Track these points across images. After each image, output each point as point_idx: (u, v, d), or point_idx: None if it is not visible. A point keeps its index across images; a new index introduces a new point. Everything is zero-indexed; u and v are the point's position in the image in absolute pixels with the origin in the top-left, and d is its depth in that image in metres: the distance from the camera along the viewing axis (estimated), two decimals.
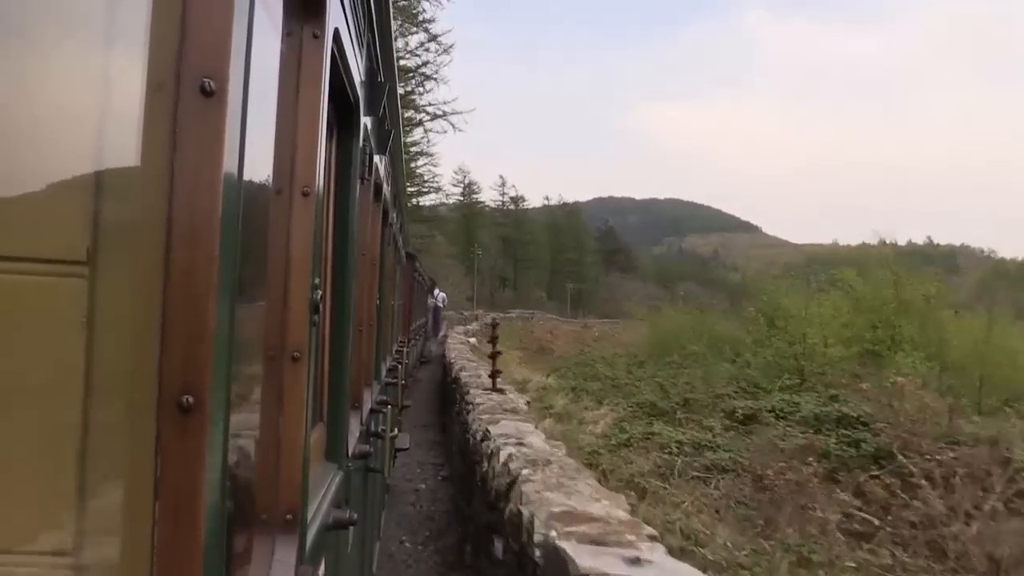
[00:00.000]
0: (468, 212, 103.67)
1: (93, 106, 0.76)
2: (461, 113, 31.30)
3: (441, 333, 22.92)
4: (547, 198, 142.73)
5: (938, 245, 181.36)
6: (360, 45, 2.26)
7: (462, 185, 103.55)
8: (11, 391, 0.73)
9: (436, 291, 25.26)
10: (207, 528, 0.76)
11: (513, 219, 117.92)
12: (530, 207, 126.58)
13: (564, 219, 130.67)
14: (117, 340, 0.75)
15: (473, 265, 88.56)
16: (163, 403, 0.73)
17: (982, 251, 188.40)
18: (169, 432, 0.73)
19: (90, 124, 0.76)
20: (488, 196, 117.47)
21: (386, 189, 4.46)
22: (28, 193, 0.74)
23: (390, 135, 3.67)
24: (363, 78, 2.36)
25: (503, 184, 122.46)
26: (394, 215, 6.17)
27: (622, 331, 58.72)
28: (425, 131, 31.91)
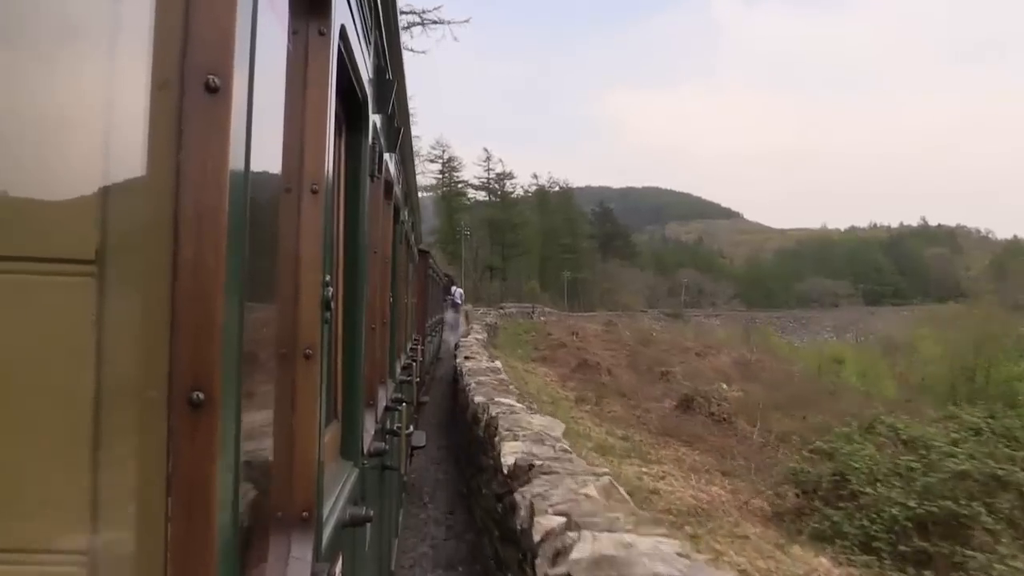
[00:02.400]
0: (449, 192, 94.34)
1: (98, 105, 0.76)
2: (449, 23, 18.10)
3: (461, 330, 22.92)
4: (535, 176, 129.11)
5: (939, 226, 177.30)
6: (368, 42, 2.26)
7: (440, 161, 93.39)
8: (22, 390, 0.73)
9: (453, 288, 25.32)
10: (220, 524, 0.77)
11: (500, 199, 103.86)
12: (518, 183, 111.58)
13: (556, 199, 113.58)
14: (127, 338, 0.75)
15: (459, 251, 78.65)
16: (174, 400, 0.73)
17: (979, 231, 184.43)
18: (180, 429, 0.73)
19: (96, 123, 0.76)
20: (471, 173, 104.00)
21: (397, 187, 4.46)
22: (36, 193, 0.74)
23: (400, 132, 3.67)
24: (371, 75, 2.36)
25: (488, 159, 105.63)
26: (406, 213, 6.18)
27: (689, 336, 47.17)
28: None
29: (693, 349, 38.11)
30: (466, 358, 11.55)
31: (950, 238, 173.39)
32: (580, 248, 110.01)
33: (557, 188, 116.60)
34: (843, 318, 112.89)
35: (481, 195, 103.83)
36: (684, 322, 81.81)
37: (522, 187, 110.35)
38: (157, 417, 0.73)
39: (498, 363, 11.30)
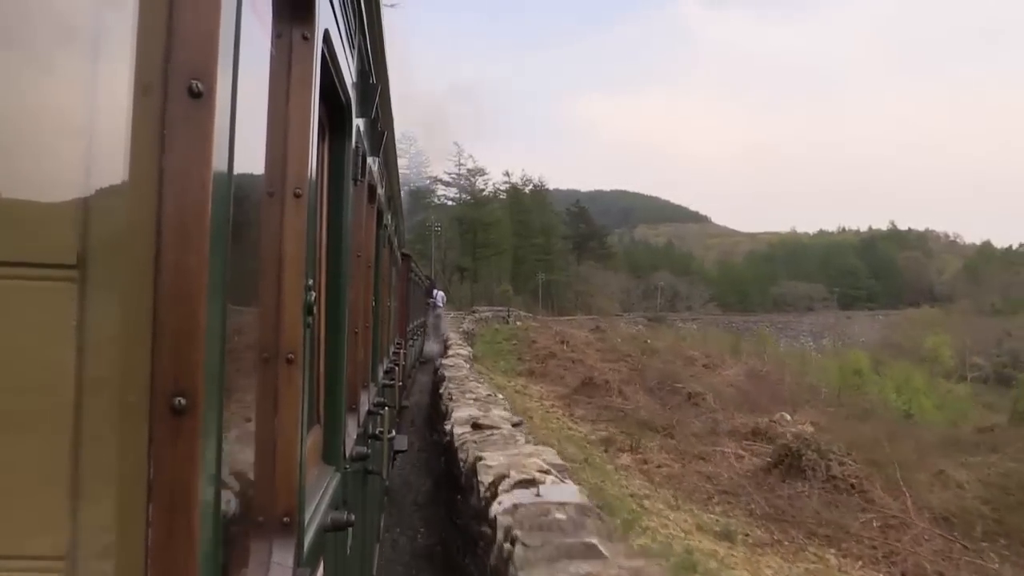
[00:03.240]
0: (417, 189, 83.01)
1: (81, 109, 0.76)
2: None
3: (442, 335, 22.89)
4: (507, 173, 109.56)
5: (910, 230, 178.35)
6: (351, 47, 2.26)
7: (407, 156, 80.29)
8: (3, 395, 0.73)
9: (435, 292, 25.28)
10: (202, 530, 0.76)
11: (472, 196, 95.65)
12: (490, 180, 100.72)
13: (530, 198, 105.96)
14: (108, 343, 0.75)
15: (428, 250, 71.45)
16: (155, 405, 0.73)
17: (947, 235, 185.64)
18: (162, 434, 0.73)
19: (78, 127, 0.76)
20: (440, 168, 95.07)
21: (380, 191, 4.46)
22: (18, 198, 0.74)
23: (383, 136, 3.66)
24: (355, 80, 2.36)
25: (459, 153, 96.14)
26: (389, 216, 6.17)
27: (687, 344, 42.18)
28: None
29: (697, 360, 33.59)
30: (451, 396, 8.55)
31: (921, 241, 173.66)
32: (554, 249, 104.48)
33: (531, 186, 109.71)
34: (819, 322, 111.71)
35: (451, 192, 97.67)
36: (667, 327, 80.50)
37: (494, 184, 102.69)
38: (138, 423, 0.73)
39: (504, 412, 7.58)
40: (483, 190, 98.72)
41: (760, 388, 27.74)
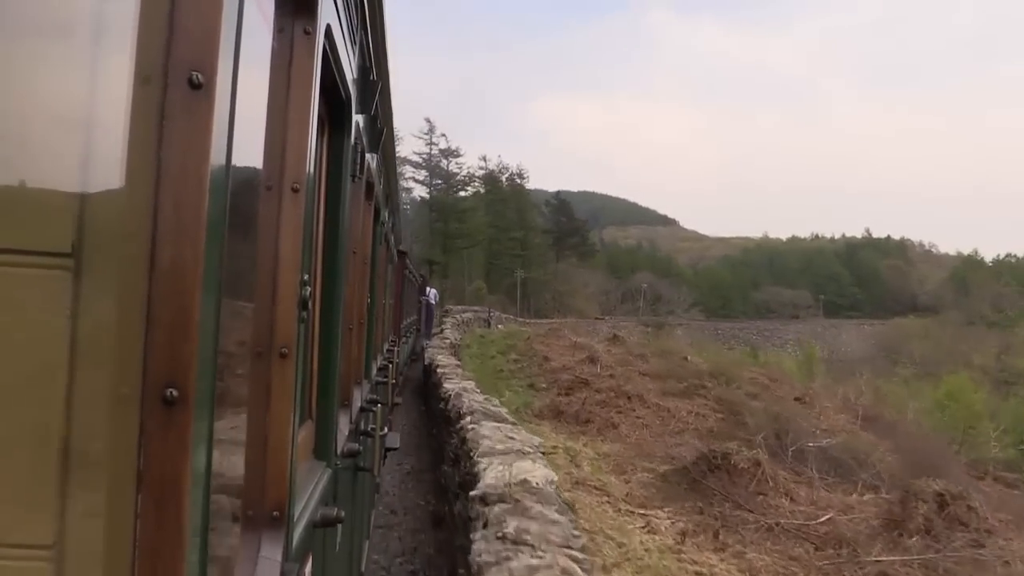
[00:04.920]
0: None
1: (80, 99, 0.76)
2: None
3: (434, 331, 22.90)
4: (484, 159, 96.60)
5: (888, 237, 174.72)
6: (353, 42, 2.26)
7: None
8: None
9: (428, 289, 25.26)
10: (191, 522, 0.76)
11: (444, 181, 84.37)
12: (464, 163, 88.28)
13: (507, 189, 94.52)
14: (101, 333, 0.75)
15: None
16: (147, 396, 0.73)
17: (922, 244, 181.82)
18: (152, 425, 0.73)
19: (76, 117, 0.76)
20: (410, 147, 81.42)
21: (378, 187, 4.45)
22: (14, 185, 0.74)
23: (382, 133, 3.66)
24: (355, 75, 2.36)
25: (430, 131, 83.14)
26: (386, 213, 6.17)
27: (731, 359, 30.74)
28: None
29: (772, 387, 22.02)
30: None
31: (900, 249, 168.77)
32: (532, 244, 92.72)
33: (508, 174, 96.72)
34: (804, 331, 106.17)
35: (421, 175, 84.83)
36: (667, 334, 74.21)
37: (468, 169, 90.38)
38: (129, 413, 0.73)
39: None
40: (456, 174, 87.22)
41: (904, 442, 16.65)
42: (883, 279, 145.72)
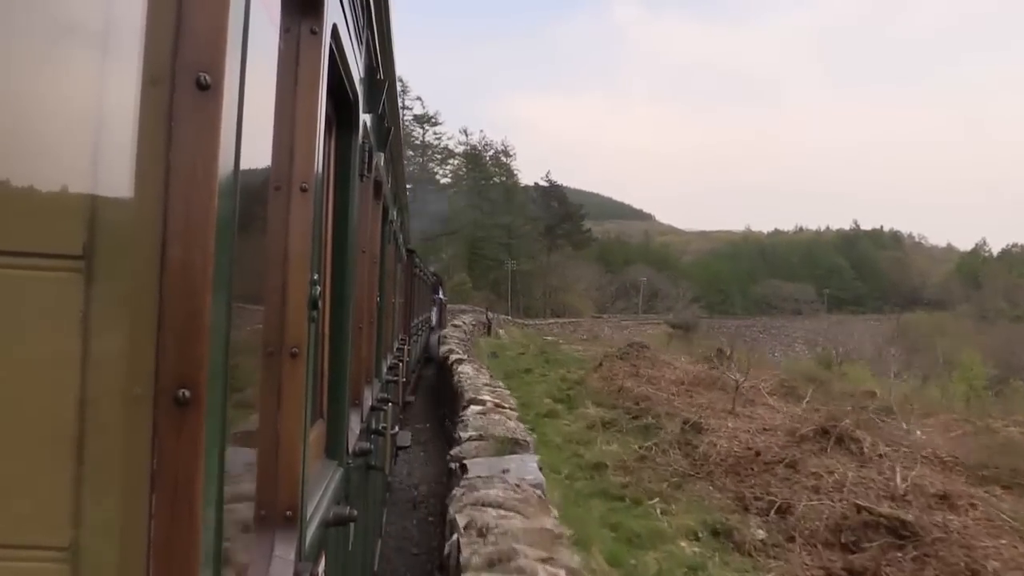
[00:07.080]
0: None
1: (89, 101, 0.76)
2: None
3: (444, 330, 22.91)
4: (465, 131, 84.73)
5: (881, 228, 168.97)
6: (359, 42, 2.26)
7: None
8: (8, 384, 0.73)
9: (440, 289, 25.28)
10: (204, 522, 0.77)
11: (421, 152, 72.52)
12: (444, 133, 77.06)
13: (493, 167, 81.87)
14: (113, 334, 0.75)
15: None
16: (159, 397, 0.73)
17: (911, 236, 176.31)
18: (165, 426, 0.73)
19: (86, 119, 0.76)
20: None
21: (386, 186, 4.46)
22: (25, 188, 0.74)
23: (390, 132, 3.66)
24: (362, 75, 2.36)
25: (404, 92, 65.37)
26: (394, 212, 6.17)
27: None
28: None
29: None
30: None
31: (896, 241, 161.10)
32: (521, 232, 78.79)
33: (493, 152, 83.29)
34: (810, 327, 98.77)
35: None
36: (703, 336, 57.53)
37: (447, 142, 78.92)
38: (142, 414, 0.73)
39: None
40: (434, 145, 76.07)
41: None
42: (883, 272, 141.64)
